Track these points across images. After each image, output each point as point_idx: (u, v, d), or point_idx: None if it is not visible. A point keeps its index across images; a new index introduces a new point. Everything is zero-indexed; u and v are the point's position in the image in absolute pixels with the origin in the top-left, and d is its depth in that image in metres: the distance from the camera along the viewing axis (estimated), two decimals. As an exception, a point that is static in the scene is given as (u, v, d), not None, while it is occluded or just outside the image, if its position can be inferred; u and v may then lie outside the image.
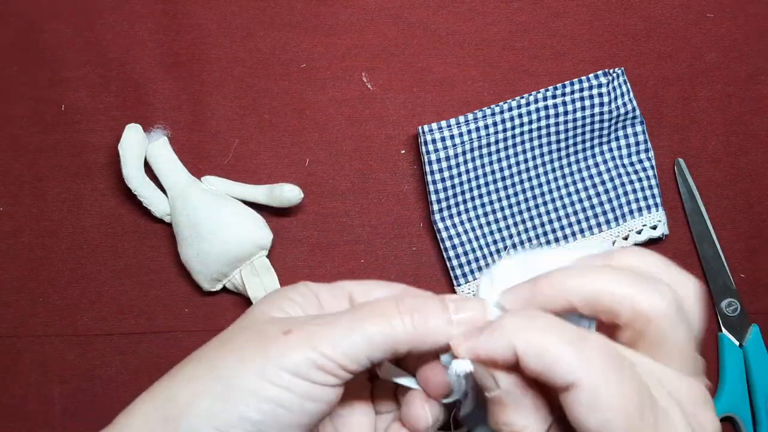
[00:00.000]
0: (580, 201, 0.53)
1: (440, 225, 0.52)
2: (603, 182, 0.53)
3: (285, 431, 0.30)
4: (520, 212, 0.53)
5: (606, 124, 0.52)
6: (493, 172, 0.52)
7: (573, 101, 0.51)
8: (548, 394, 0.30)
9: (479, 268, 0.52)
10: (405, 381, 0.33)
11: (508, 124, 0.51)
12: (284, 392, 0.30)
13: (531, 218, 0.53)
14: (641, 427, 0.27)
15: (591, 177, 0.53)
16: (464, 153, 0.51)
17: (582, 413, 0.27)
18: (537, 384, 0.29)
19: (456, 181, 0.52)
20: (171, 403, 0.31)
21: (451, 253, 0.52)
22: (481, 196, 0.53)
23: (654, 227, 0.52)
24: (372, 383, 0.36)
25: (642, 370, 0.29)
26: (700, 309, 0.31)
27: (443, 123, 0.51)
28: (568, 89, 0.51)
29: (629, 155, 0.53)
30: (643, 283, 0.30)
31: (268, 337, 0.31)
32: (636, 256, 0.32)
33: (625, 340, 0.30)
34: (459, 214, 0.52)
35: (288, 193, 0.51)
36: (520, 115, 0.51)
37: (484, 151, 0.52)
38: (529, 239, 0.53)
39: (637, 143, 0.53)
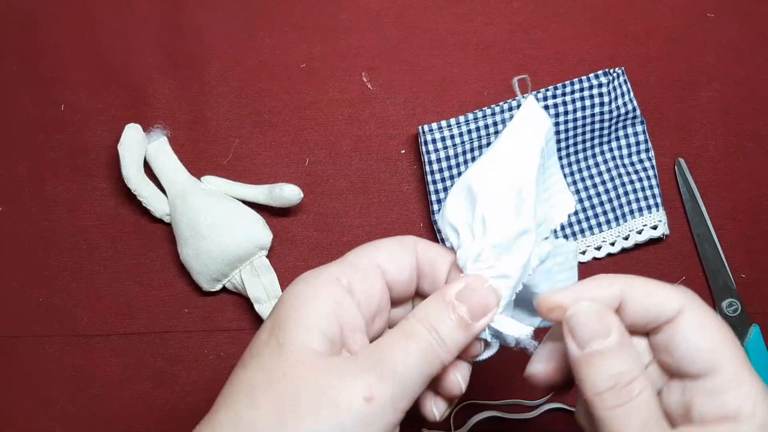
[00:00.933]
0: (581, 201, 0.53)
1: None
2: (603, 182, 0.53)
3: None
4: (520, 212, 0.53)
5: (606, 124, 0.52)
6: (493, 172, 0.52)
7: (573, 101, 0.51)
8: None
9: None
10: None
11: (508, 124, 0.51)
12: None
13: (531, 218, 0.53)
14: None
15: (591, 177, 0.53)
16: (464, 153, 0.51)
17: (695, 334, 0.30)
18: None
19: (456, 181, 0.52)
20: None
21: (451, 253, 0.52)
22: (481, 196, 0.53)
23: (654, 227, 0.52)
24: None
25: None
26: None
27: (443, 123, 0.51)
28: (568, 89, 0.51)
29: (629, 155, 0.53)
30: (655, 284, 0.32)
31: (346, 405, 0.29)
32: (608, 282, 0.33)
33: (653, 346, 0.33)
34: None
35: (288, 193, 0.51)
36: (520, 115, 0.51)
37: (484, 151, 0.52)
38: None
39: (638, 143, 0.53)
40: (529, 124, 0.34)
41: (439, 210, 0.52)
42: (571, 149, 0.53)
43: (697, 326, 0.30)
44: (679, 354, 0.30)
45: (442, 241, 0.52)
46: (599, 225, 0.53)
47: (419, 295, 0.36)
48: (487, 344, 0.34)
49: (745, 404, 0.29)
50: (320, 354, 0.30)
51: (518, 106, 0.51)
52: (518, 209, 0.33)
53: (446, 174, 0.51)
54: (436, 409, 0.34)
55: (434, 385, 0.34)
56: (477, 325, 0.32)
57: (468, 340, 0.32)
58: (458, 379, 0.34)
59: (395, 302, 0.35)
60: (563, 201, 0.37)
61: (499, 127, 0.51)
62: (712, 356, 0.30)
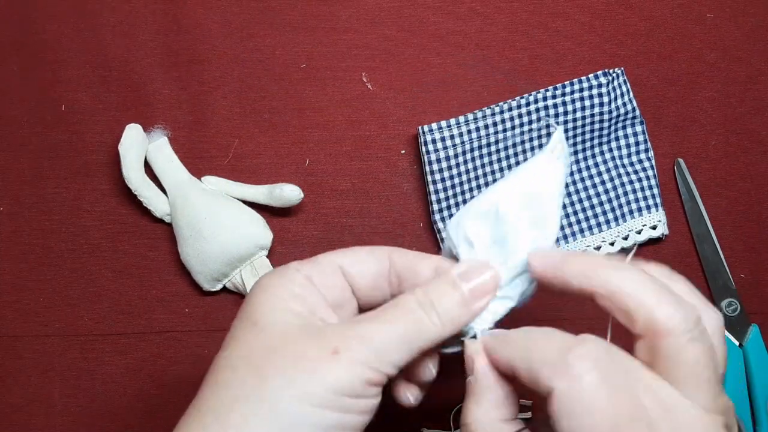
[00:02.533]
0: (580, 201, 0.53)
1: (440, 225, 0.52)
2: (603, 182, 0.53)
3: None
4: (520, 212, 0.53)
5: (606, 124, 0.52)
6: (493, 172, 0.52)
7: (573, 101, 0.51)
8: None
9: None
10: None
11: (508, 124, 0.51)
12: (342, 413, 0.30)
13: (531, 218, 0.53)
14: None
15: (591, 177, 0.53)
16: (464, 153, 0.51)
17: (556, 417, 0.28)
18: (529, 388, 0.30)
19: (456, 181, 0.52)
20: (220, 427, 0.30)
21: (451, 253, 0.52)
22: (481, 196, 0.53)
23: (654, 227, 0.52)
24: None
25: (646, 386, 0.28)
26: (724, 343, 0.30)
27: (443, 123, 0.51)
28: (568, 89, 0.51)
29: (629, 155, 0.53)
30: (668, 295, 0.29)
31: (314, 360, 0.30)
32: (665, 275, 0.32)
33: (642, 356, 0.30)
34: (459, 214, 0.53)
35: (288, 193, 0.51)
36: (520, 115, 0.51)
37: (484, 151, 0.52)
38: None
39: (637, 143, 0.53)
40: (560, 159, 0.35)
41: (439, 210, 0.52)
42: (571, 149, 0.53)
43: (559, 410, 0.28)
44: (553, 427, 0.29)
45: (442, 241, 0.52)
46: (599, 225, 0.53)
47: None
48: (461, 335, 0.35)
49: None
50: (294, 325, 0.32)
51: (518, 106, 0.51)
52: (536, 239, 0.34)
53: (446, 174, 0.51)
54: (410, 394, 0.36)
55: (406, 373, 0.35)
56: (476, 306, 0.33)
57: (465, 318, 0.33)
58: (429, 365, 0.35)
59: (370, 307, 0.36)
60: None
61: (499, 127, 0.51)
62: None
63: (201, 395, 0.31)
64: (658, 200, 0.52)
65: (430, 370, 0.35)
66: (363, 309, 0.36)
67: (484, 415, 0.32)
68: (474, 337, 0.34)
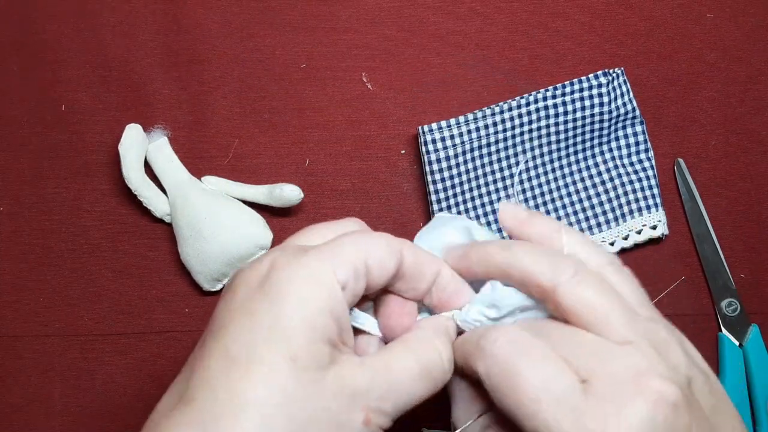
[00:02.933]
0: (580, 201, 0.53)
1: (440, 225, 0.52)
2: (603, 182, 0.53)
3: None
4: (520, 212, 0.53)
5: (606, 124, 0.52)
6: (493, 172, 0.52)
7: (573, 101, 0.51)
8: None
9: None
10: (367, 326, 0.35)
11: (508, 124, 0.51)
12: None
13: (531, 218, 0.53)
14: (541, 404, 0.28)
15: (591, 177, 0.53)
16: (464, 153, 0.51)
17: (496, 399, 0.30)
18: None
19: (456, 181, 0.52)
20: None
21: (451, 253, 0.52)
22: (481, 196, 0.53)
23: (654, 227, 0.52)
24: None
25: (559, 341, 0.30)
26: (626, 272, 0.34)
27: (443, 123, 0.51)
28: (568, 89, 0.51)
29: (629, 155, 0.53)
30: (546, 258, 0.32)
31: (344, 423, 0.29)
32: (555, 230, 0.35)
33: (556, 315, 0.32)
34: (459, 214, 0.52)
35: (288, 193, 0.51)
36: (520, 115, 0.51)
37: (484, 151, 0.52)
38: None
39: (637, 143, 0.53)
40: None
41: (439, 210, 0.52)
42: (571, 149, 0.53)
43: (494, 391, 0.30)
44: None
45: (442, 241, 0.52)
46: (599, 225, 0.53)
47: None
48: None
49: None
50: (325, 367, 0.29)
51: (518, 106, 0.51)
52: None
53: (446, 174, 0.51)
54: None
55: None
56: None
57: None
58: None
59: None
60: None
61: (499, 127, 0.51)
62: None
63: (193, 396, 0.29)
64: (658, 200, 0.52)
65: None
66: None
67: (461, 415, 0.35)
68: None
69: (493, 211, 0.53)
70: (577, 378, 0.29)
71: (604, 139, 0.53)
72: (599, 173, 0.53)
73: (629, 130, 0.53)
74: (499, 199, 0.53)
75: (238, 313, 0.30)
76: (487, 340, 0.31)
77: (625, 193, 0.52)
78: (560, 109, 0.51)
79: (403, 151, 0.54)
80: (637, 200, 0.52)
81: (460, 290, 0.35)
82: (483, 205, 0.53)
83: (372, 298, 0.36)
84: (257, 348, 0.28)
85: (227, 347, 0.29)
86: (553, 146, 0.52)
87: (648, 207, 0.52)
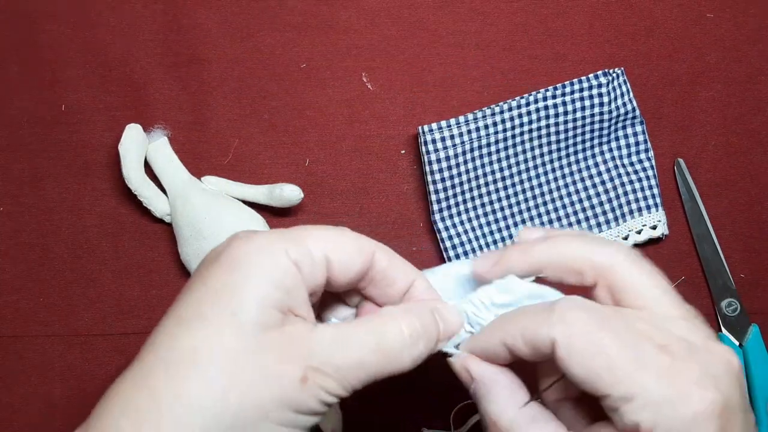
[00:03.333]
0: (580, 201, 0.53)
1: (440, 225, 0.52)
2: (603, 182, 0.53)
3: None
4: (520, 212, 0.53)
5: (606, 124, 0.52)
6: (493, 172, 0.52)
7: (573, 101, 0.51)
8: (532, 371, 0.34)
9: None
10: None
11: (508, 124, 0.51)
12: (291, 430, 0.30)
13: (531, 218, 0.53)
14: (630, 366, 0.29)
15: (591, 177, 0.53)
16: (464, 153, 0.51)
17: (566, 365, 0.30)
18: (518, 365, 0.33)
19: (456, 181, 0.52)
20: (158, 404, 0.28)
21: (451, 253, 0.52)
22: (481, 196, 0.53)
23: (654, 227, 0.52)
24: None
25: (630, 317, 0.31)
26: (649, 263, 0.33)
27: (443, 123, 0.51)
28: (568, 89, 0.51)
29: (629, 155, 0.53)
30: (597, 241, 0.33)
31: (280, 376, 0.30)
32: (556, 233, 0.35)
33: (603, 300, 0.33)
34: (459, 214, 0.53)
35: (288, 193, 0.51)
36: (520, 115, 0.51)
37: (484, 151, 0.52)
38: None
39: (637, 143, 0.53)
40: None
41: (439, 210, 0.52)
42: (571, 149, 0.53)
43: (566, 357, 0.30)
44: (569, 378, 0.31)
45: (442, 241, 0.52)
46: (599, 225, 0.53)
47: (355, 292, 0.36)
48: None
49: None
50: (272, 328, 0.30)
51: (518, 106, 0.51)
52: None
53: (446, 174, 0.51)
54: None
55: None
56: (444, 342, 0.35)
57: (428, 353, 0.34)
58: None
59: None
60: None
61: (499, 127, 0.51)
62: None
63: (142, 356, 0.30)
64: (658, 200, 0.52)
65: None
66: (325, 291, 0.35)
67: (503, 409, 0.32)
68: (457, 347, 0.35)
69: (493, 211, 0.53)
70: (657, 344, 0.30)
71: (604, 139, 0.53)
72: (599, 173, 0.53)
73: (629, 130, 0.53)
74: (499, 199, 0.53)
75: (193, 282, 0.32)
76: (562, 309, 0.30)
77: (625, 193, 0.52)
78: (560, 109, 0.51)
79: (403, 151, 0.54)
80: (637, 200, 0.52)
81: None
82: (483, 205, 0.53)
83: (354, 306, 0.37)
84: (203, 308, 0.30)
85: (178, 311, 0.31)
86: (553, 146, 0.52)
87: (648, 207, 0.52)
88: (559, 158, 0.53)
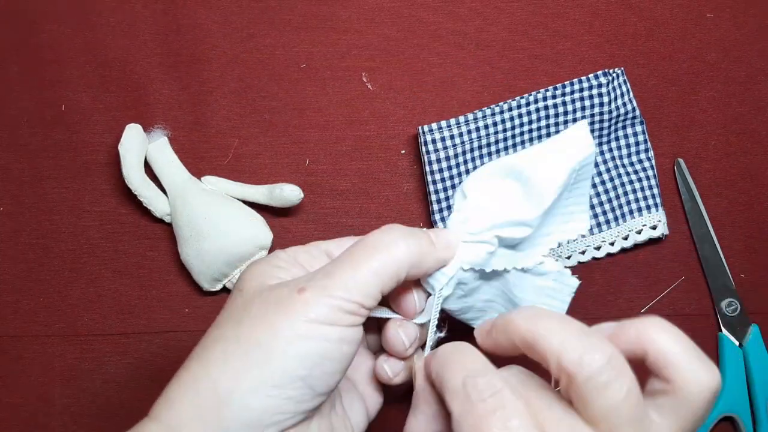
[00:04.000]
0: (580, 201, 0.53)
1: (440, 225, 0.52)
2: (603, 182, 0.53)
3: (329, 379, 0.33)
4: (520, 212, 0.53)
5: (606, 124, 0.52)
6: (493, 172, 0.52)
7: (573, 101, 0.51)
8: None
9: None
10: (384, 313, 0.38)
11: (508, 124, 0.51)
12: (321, 342, 0.32)
13: (531, 218, 0.53)
14: None
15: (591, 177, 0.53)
16: (464, 153, 0.51)
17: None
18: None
19: (456, 181, 0.52)
20: (215, 385, 0.32)
21: (451, 253, 0.52)
22: (481, 196, 0.53)
23: (654, 227, 0.52)
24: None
25: (548, 418, 0.29)
26: (708, 404, 0.29)
27: (443, 123, 0.51)
28: (568, 89, 0.51)
29: (629, 155, 0.53)
30: (581, 340, 0.29)
31: (285, 300, 0.33)
32: (661, 332, 0.30)
33: (562, 389, 0.30)
34: (459, 214, 0.53)
35: (288, 193, 0.51)
36: (520, 115, 0.51)
37: (484, 151, 0.52)
38: (529, 239, 0.53)
39: (637, 143, 0.53)
40: (574, 145, 0.38)
41: (439, 210, 0.52)
42: (571, 149, 0.53)
43: None
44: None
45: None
46: (599, 225, 0.53)
47: None
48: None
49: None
50: (271, 284, 0.34)
51: (518, 106, 0.51)
52: (530, 207, 0.38)
53: (446, 174, 0.51)
54: (388, 367, 0.38)
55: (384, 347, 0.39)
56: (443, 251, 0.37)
57: (432, 255, 0.36)
58: (400, 335, 0.37)
59: None
60: (578, 221, 0.41)
61: (499, 127, 0.51)
62: None
63: (189, 356, 0.34)
64: (658, 200, 0.52)
65: (401, 339, 0.37)
66: None
67: (419, 428, 0.34)
68: (438, 296, 0.37)
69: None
70: None
71: (604, 139, 0.53)
72: (599, 173, 0.53)
73: (629, 130, 0.53)
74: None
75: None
76: (474, 388, 0.29)
77: (625, 193, 0.52)
78: (560, 109, 0.51)
79: (403, 151, 0.54)
80: (637, 200, 0.52)
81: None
82: (483, 205, 0.53)
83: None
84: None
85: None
86: (553, 146, 0.52)
87: (648, 207, 0.52)
88: (559, 158, 0.53)
